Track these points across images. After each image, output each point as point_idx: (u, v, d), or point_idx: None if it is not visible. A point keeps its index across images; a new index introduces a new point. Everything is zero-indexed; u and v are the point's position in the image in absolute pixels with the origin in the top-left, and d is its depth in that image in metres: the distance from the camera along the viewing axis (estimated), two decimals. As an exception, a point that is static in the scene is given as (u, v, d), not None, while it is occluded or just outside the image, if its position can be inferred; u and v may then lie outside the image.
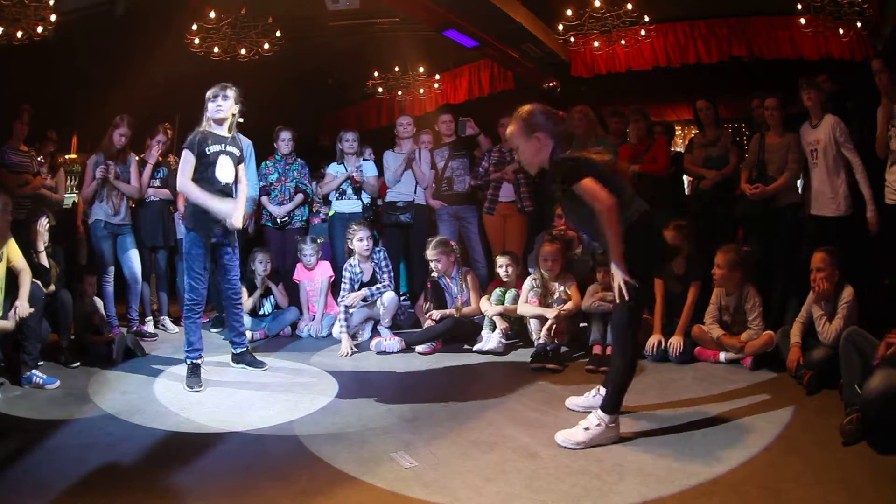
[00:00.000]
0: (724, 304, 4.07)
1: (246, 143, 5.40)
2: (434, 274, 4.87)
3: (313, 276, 5.31)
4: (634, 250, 2.67)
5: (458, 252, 4.92)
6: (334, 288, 5.49)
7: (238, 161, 4.00)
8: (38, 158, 5.17)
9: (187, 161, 3.80)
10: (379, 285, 4.86)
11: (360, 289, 4.86)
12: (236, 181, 4.00)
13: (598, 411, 2.76)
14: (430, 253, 4.78)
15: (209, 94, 3.89)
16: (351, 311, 4.76)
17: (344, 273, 4.88)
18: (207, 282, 3.95)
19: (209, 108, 3.88)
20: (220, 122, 3.92)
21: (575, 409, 3.14)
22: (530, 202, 5.42)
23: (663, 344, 4.04)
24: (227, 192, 3.94)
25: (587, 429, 2.72)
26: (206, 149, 3.82)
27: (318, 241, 5.32)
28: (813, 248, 3.70)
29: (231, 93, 3.89)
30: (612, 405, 2.76)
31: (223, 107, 3.88)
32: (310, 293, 5.31)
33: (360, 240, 4.83)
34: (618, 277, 2.67)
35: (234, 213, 3.81)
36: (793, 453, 2.61)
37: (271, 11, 5.89)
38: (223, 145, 3.90)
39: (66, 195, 6.64)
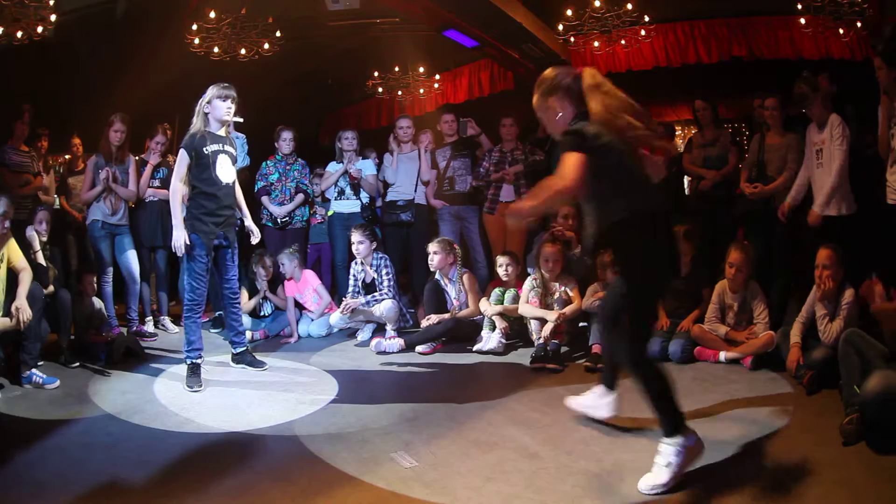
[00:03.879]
0: (727, 303, 4.07)
1: (239, 137, 5.41)
2: (436, 276, 4.89)
3: (302, 287, 5.23)
4: (626, 249, 2.42)
5: (458, 255, 4.92)
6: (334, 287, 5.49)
7: (234, 160, 4.00)
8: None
9: (182, 161, 3.81)
10: (377, 294, 4.85)
11: (364, 287, 4.94)
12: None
13: (665, 441, 2.39)
14: (432, 246, 4.82)
15: (220, 93, 3.84)
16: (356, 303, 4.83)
17: (351, 272, 5.02)
18: (208, 282, 3.95)
19: (219, 108, 3.85)
20: (224, 122, 3.93)
21: (576, 409, 3.06)
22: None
23: (667, 325, 4.15)
24: (228, 192, 3.94)
25: (668, 465, 2.36)
26: (204, 149, 3.81)
27: (292, 249, 5.23)
28: (812, 247, 3.70)
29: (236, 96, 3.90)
30: (670, 427, 2.40)
31: (232, 109, 3.90)
32: (305, 303, 5.25)
33: (353, 244, 4.92)
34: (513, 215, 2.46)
35: (176, 241, 3.78)
36: (793, 453, 2.61)
37: (271, 11, 5.89)
38: (221, 145, 3.90)
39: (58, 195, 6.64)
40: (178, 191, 3.84)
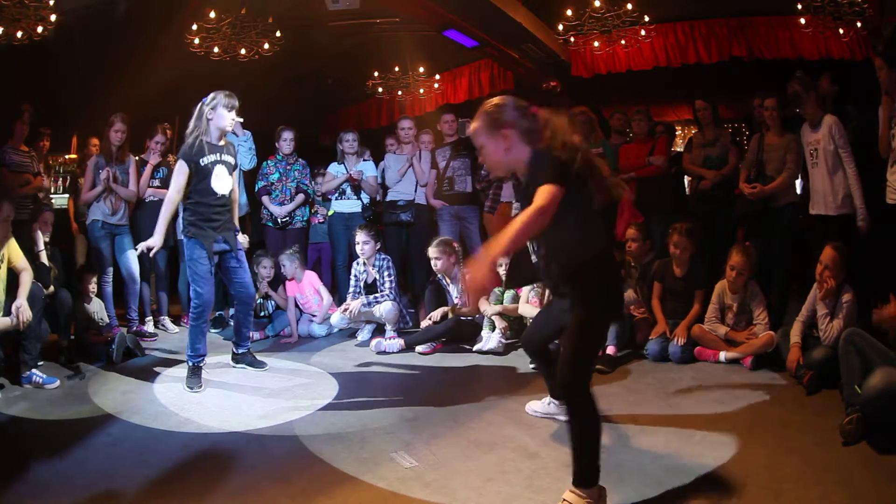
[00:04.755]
0: (727, 304, 4.08)
1: (245, 133, 5.41)
2: (437, 276, 4.89)
3: (304, 287, 5.22)
4: (596, 285, 2.23)
5: (459, 254, 4.92)
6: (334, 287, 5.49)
7: (232, 169, 3.94)
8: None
9: (180, 172, 3.73)
10: (378, 294, 4.84)
11: (365, 288, 4.93)
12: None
13: (573, 490, 2.17)
14: (432, 251, 4.81)
15: (228, 102, 3.77)
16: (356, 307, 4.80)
17: (352, 272, 5.01)
18: (213, 287, 3.88)
19: (224, 117, 3.78)
20: (224, 133, 3.88)
21: (533, 415, 3.07)
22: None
23: (668, 333, 4.12)
24: (224, 203, 3.89)
25: None
26: (202, 160, 3.74)
27: (293, 250, 5.21)
28: (812, 247, 3.69)
29: None
30: (585, 475, 2.17)
31: (235, 121, 3.86)
32: (304, 305, 5.24)
33: (357, 244, 4.91)
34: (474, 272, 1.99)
35: (148, 243, 3.76)
36: (793, 453, 2.61)
37: (271, 11, 5.89)
38: (218, 154, 3.82)
39: (58, 195, 6.65)
40: (172, 201, 3.76)
